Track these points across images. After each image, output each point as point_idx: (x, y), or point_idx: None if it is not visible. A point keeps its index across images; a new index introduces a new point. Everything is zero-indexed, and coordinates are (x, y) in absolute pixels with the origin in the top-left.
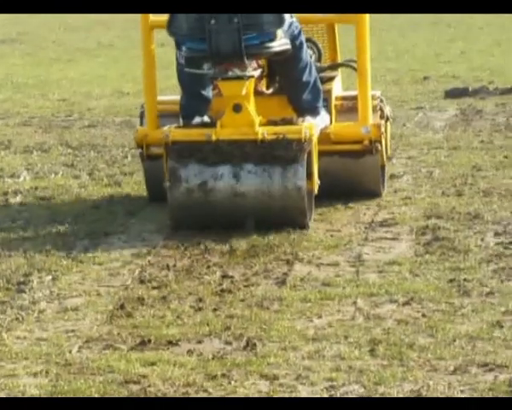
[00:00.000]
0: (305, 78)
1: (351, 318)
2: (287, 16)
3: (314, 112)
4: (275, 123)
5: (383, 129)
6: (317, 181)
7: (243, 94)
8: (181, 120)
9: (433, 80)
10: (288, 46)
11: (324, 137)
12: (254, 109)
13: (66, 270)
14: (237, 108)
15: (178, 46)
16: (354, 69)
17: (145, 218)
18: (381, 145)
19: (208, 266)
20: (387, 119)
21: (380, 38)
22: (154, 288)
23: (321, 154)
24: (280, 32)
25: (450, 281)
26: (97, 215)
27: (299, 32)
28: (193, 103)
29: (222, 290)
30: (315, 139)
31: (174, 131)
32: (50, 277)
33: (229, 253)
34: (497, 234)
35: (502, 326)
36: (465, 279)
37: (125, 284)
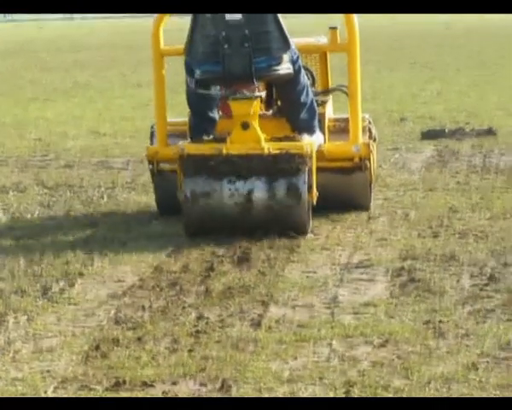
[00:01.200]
0: (302, 99)
1: (326, 359)
2: (290, 43)
3: (310, 130)
4: (279, 139)
5: (371, 148)
6: (315, 193)
7: (251, 113)
8: (189, 139)
9: (409, 121)
10: (291, 70)
11: (319, 154)
12: (259, 127)
13: (41, 310)
14: (245, 126)
15: (190, 72)
16: (345, 94)
17: (120, 259)
18: (370, 162)
19: (183, 307)
20: (375, 139)
21: None
22: (129, 329)
23: (316, 170)
24: (285, 57)
25: (426, 323)
26: (73, 256)
27: (298, 58)
28: (201, 124)
29: (197, 332)
30: (314, 155)
31: (189, 146)
32: (26, 317)
33: (205, 294)
34: (472, 276)
35: (477, 368)
36: (440, 321)
37: (100, 324)
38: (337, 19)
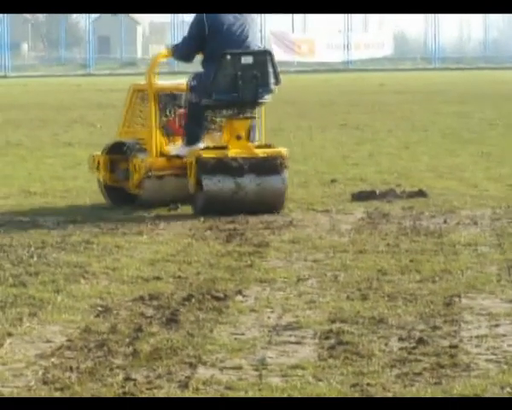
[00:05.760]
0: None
1: None
2: (280, 79)
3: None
4: (261, 147)
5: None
6: (287, 185)
7: (245, 128)
8: (184, 144)
9: (340, 183)
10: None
11: None
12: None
13: None
14: (239, 137)
15: (204, 95)
16: None
17: (49, 319)
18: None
19: (111, 369)
20: None
21: (288, 139)
22: (57, 389)
23: None
24: (276, 89)
25: (354, 386)
26: (2, 315)
27: None
28: (198, 130)
29: (124, 393)
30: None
31: (203, 152)
32: None
33: (133, 355)
34: (401, 339)
35: None
36: (368, 384)
37: (28, 384)
38: None
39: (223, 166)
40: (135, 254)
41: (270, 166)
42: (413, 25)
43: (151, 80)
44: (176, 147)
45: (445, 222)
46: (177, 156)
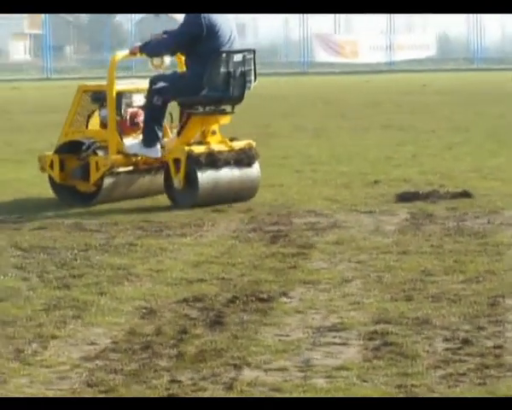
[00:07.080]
0: None
1: None
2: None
3: None
4: (230, 140)
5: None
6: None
7: (221, 124)
8: (142, 145)
9: (383, 184)
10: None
11: None
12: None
13: (14, 373)
14: (214, 132)
15: (168, 93)
16: None
17: (93, 321)
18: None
19: (156, 371)
20: None
21: (331, 141)
22: (101, 392)
23: None
24: (253, 86)
25: (398, 386)
26: (46, 318)
27: None
28: (158, 130)
29: (169, 395)
30: None
31: (193, 148)
32: None
33: (178, 357)
34: (445, 340)
35: None
36: (413, 385)
37: (72, 387)
38: None
39: (213, 161)
40: (179, 256)
41: (247, 157)
42: (456, 25)
43: (112, 81)
44: (132, 146)
45: (488, 223)
46: (134, 155)
